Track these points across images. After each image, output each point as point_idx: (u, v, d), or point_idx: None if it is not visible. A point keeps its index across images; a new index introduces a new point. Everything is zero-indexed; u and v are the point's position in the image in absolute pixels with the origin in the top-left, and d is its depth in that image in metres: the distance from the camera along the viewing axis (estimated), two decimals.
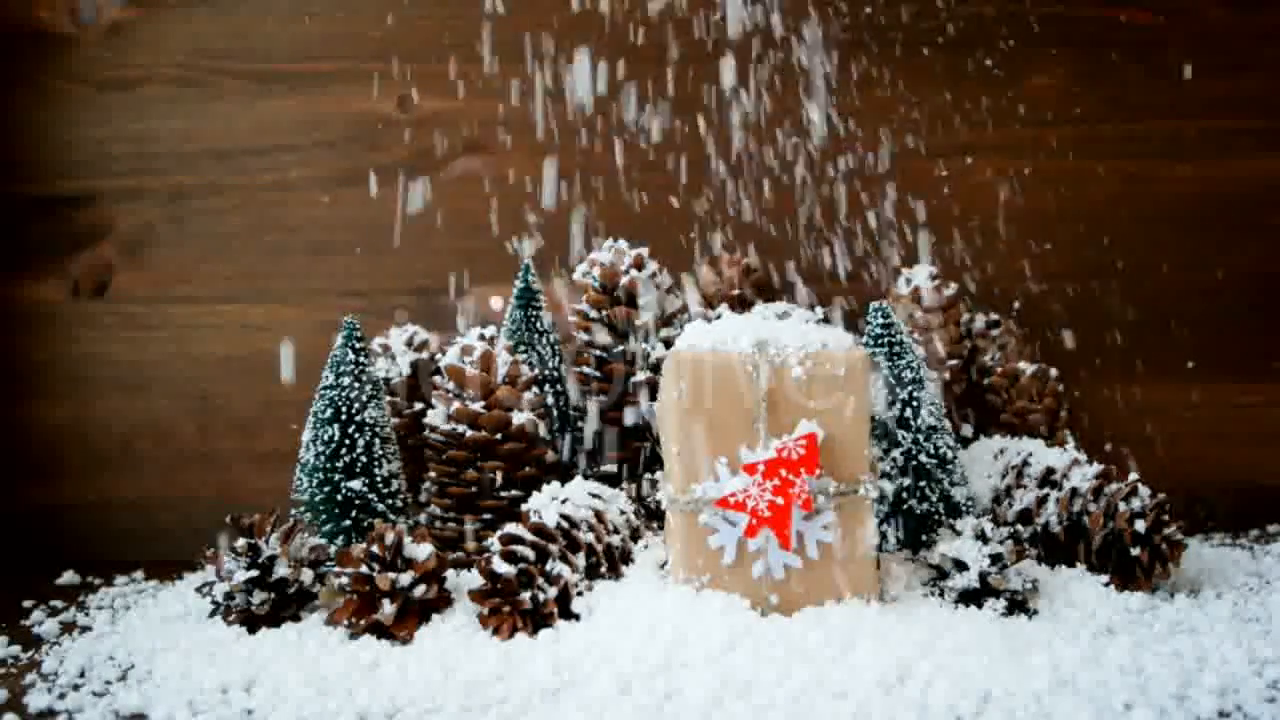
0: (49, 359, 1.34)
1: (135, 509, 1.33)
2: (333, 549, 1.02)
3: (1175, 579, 1.02)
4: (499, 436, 1.08)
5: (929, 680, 0.78)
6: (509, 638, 0.88)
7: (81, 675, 0.88)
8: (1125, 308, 1.34)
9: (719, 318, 1.00)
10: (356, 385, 1.06)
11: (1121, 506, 1.00)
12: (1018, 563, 0.94)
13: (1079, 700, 0.75)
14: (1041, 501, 1.05)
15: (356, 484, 1.04)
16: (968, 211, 1.34)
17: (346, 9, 1.34)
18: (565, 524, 0.95)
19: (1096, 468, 1.05)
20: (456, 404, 1.08)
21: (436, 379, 1.13)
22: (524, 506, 0.98)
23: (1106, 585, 0.97)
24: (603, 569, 0.96)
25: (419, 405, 1.20)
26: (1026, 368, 1.24)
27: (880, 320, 1.03)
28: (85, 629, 1.01)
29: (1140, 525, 0.98)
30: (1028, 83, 1.34)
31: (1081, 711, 0.74)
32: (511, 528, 0.94)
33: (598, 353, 1.18)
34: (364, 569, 0.92)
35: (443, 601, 0.95)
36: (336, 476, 1.04)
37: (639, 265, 1.19)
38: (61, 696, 0.84)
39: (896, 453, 1.02)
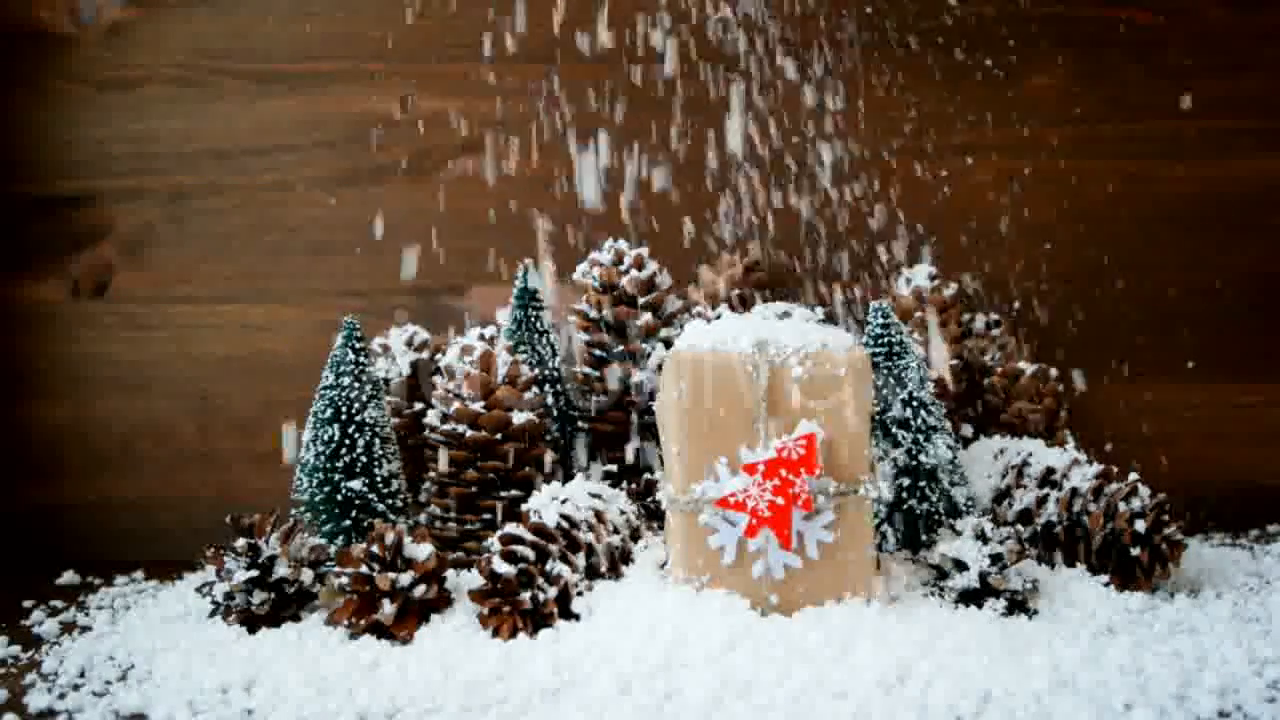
0: (49, 359, 1.34)
1: (135, 509, 1.33)
2: (333, 549, 1.02)
3: (1175, 579, 1.02)
4: (499, 436, 1.08)
5: (929, 680, 0.78)
6: (509, 638, 0.88)
7: (81, 675, 0.88)
8: (1125, 308, 1.34)
9: (719, 318, 1.00)
10: (356, 385, 1.06)
11: (1121, 506, 1.00)
12: (1018, 563, 0.94)
13: (1079, 700, 0.75)
14: (1041, 501, 1.05)
15: (356, 484, 1.04)
16: (968, 211, 1.34)
17: (346, 9, 1.34)
18: (565, 524, 0.95)
19: (1096, 468, 1.05)
20: (456, 404, 1.08)
21: (436, 379, 1.13)
22: (524, 506, 0.98)
23: (1106, 585, 0.97)
24: (603, 569, 0.96)
25: (419, 405, 1.20)
26: (1026, 368, 1.24)
27: (880, 320, 1.03)
28: (85, 629, 1.01)
29: (1140, 525, 0.98)
30: (1028, 83, 1.34)
31: (1081, 711, 0.74)
32: (511, 528, 0.94)
33: (598, 353, 1.18)
34: (364, 569, 0.92)
35: (443, 601, 0.95)
36: (336, 476, 1.04)
37: (639, 265, 1.19)
38: (61, 696, 0.84)
39: (897, 453, 1.02)
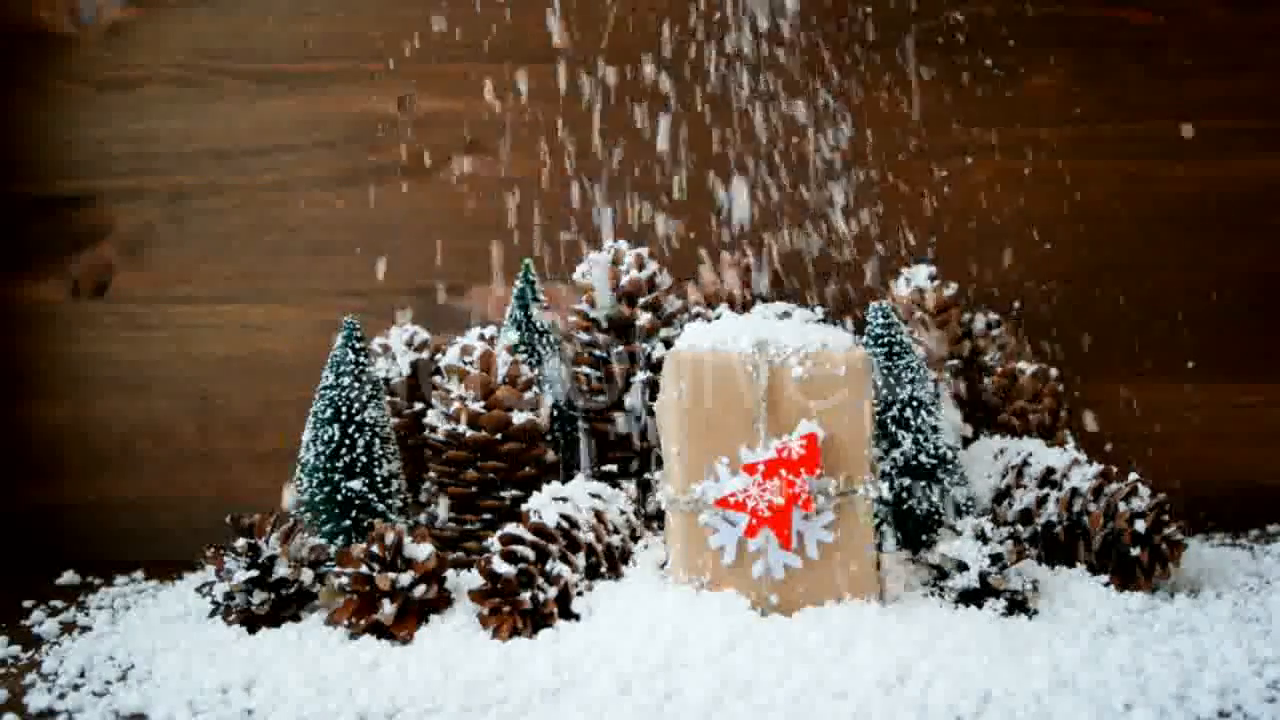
0: (49, 359, 1.34)
1: (135, 509, 1.33)
2: (333, 549, 1.02)
3: (1175, 579, 1.02)
4: (499, 436, 1.08)
5: (929, 680, 0.78)
6: (509, 638, 0.88)
7: (81, 675, 0.88)
8: (1125, 308, 1.34)
9: (719, 318, 1.00)
10: (356, 385, 1.06)
11: (1121, 506, 1.00)
12: (1018, 563, 0.94)
13: (1079, 700, 0.75)
14: (1041, 501, 1.05)
15: (356, 484, 1.04)
16: (968, 211, 1.34)
17: (346, 9, 1.34)
18: (565, 524, 0.95)
19: (1096, 468, 1.05)
20: (456, 404, 1.08)
21: (436, 379, 1.13)
22: (524, 506, 0.98)
23: (1106, 585, 0.97)
24: (603, 569, 0.96)
25: (419, 405, 1.20)
26: (1026, 368, 1.24)
27: (880, 320, 1.03)
28: (85, 629, 1.01)
29: (1140, 525, 0.98)
30: (1028, 83, 1.34)
31: (1081, 711, 0.74)
32: (511, 528, 0.94)
33: (599, 353, 1.18)
34: (364, 569, 0.92)
35: (443, 601, 0.95)
36: (336, 476, 1.04)
37: (639, 265, 1.19)
38: (61, 696, 0.84)
39: (896, 453, 1.02)
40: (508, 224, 1.32)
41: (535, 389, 1.12)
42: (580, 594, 0.93)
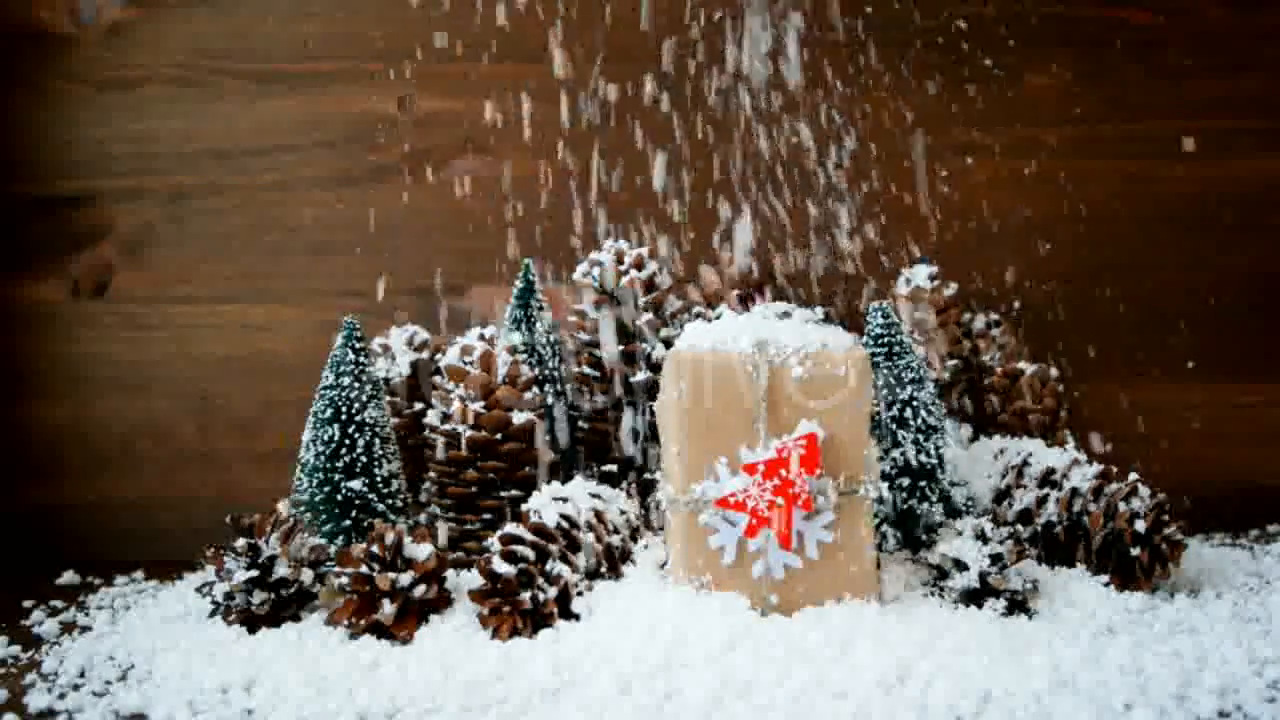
0: (49, 359, 1.34)
1: (135, 509, 1.33)
2: (333, 549, 1.02)
3: (1175, 579, 1.02)
4: (499, 436, 1.08)
5: (929, 680, 0.78)
6: (509, 638, 0.88)
7: (81, 675, 0.88)
8: (1125, 308, 1.34)
9: (719, 318, 1.00)
10: (356, 385, 1.06)
11: (1121, 506, 1.00)
12: (1018, 563, 0.94)
13: (1079, 700, 0.75)
14: (1041, 501, 1.05)
15: (356, 484, 1.04)
16: (968, 211, 1.34)
17: (346, 9, 1.34)
18: (565, 524, 0.95)
19: (1096, 468, 1.05)
20: (456, 404, 1.08)
21: (436, 379, 1.13)
22: (524, 506, 0.98)
23: (1106, 585, 0.97)
24: (603, 569, 0.96)
25: (419, 405, 1.20)
26: (1026, 368, 1.24)
27: (880, 320, 1.03)
28: (85, 629, 1.01)
29: (1140, 525, 0.98)
30: (1028, 83, 1.34)
31: (1081, 711, 0.74)
32: (511, 528, 0.94)
33: (598, 352, 1.18)
34: (364, 569, 0.92)
35: (443, 601, 0.95)
36: (336, 476, 1.04)
37: (639, 265, 1.19)
38: (61, 696, 0.84)
39: (896, 453, 1.02)
40: (507, 224, 1.32)
41: (536, 389, 1.12)
42: (580, 594, 0.93)
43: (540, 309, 1.18)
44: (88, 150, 1.34)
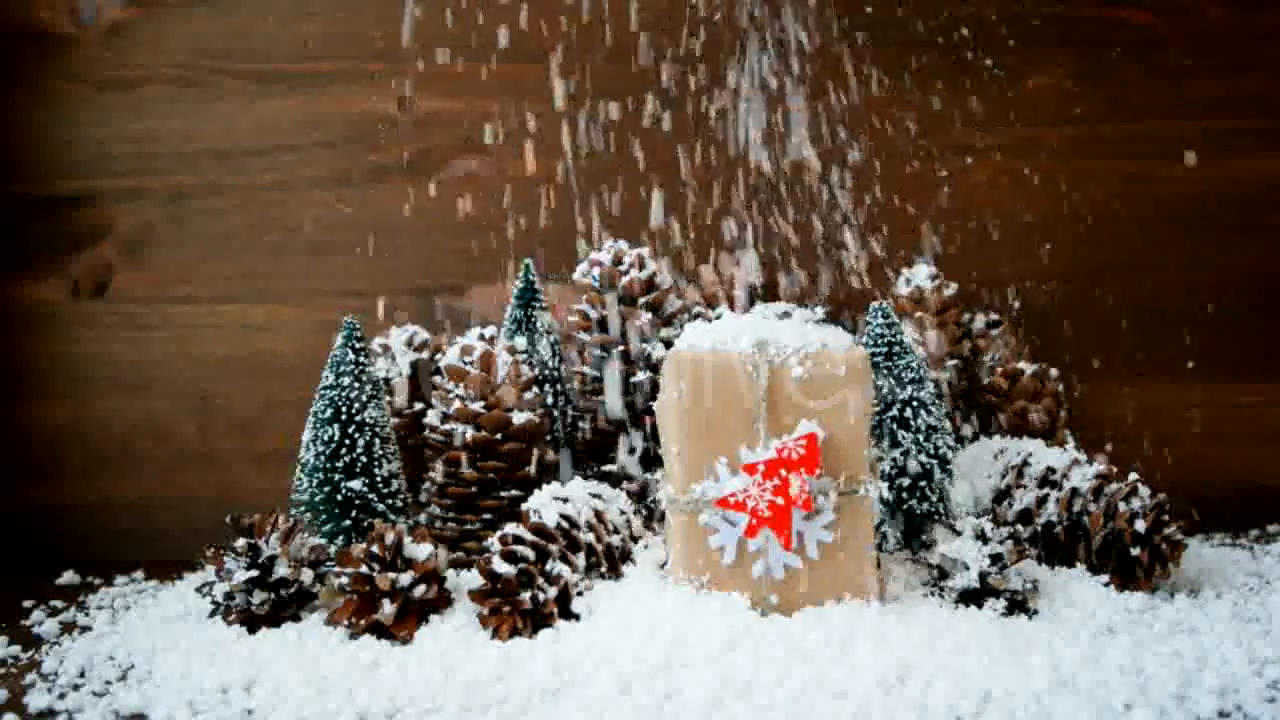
0: (49, 359, 1.34)
1: (135, 509, 1.33)
2: (333, 549, 1.02)
3: (1175, 579, 1.02)
4: (499, 436, 1.08)
5: (929, 680, 0.78)
6: (509, 638, 0.88)
7: (81, 675, 0.88)
8: (1125, 308, 1.34)
9: (719, 318, 1.00)
10: (356, 385, 1.06)
11: (1121, 506, 1.00)
12: (1018, 563, 0.94)
13: (1079, 700, 0.75)
14: (1041, 501, 1.05)
15: (356, 484, 1.04)
16: (968, 211, 1.34)
17: (346, 9, 1.34)
18: (565, 524, 0.95)
19: (1096, 468, 1.05)
20: (457, 404, 1.08)
21: (436, 379, 1.13)
22: (524, 506, 0.98)
23: (1106, 585, 0.97)
24: (603, 569, 0.96)
25: (419, 405, 1.20)
26: (1026, 368, 1.24)
27: (880, 320, 1.03)
28: (85, 629, 1.01)
29: (1140, 525, 0.98)
30: (1028, 83, 1.34)
31: (1081, 711, 0.74)
32: (511, 528, 0.94)
33: (598, 352, 1.18)
34: (364, 569, 0.92)
35: (443, 601, 0.95)
36: (336, 476, 1.04)
37: (639, 265, 1.19)
38: (61, 696, 0.84)
39: (896, 453, 1.02)
40: (508, 223, 1.32)
41: (535, 390, 1.12)
42: (580, 594, 0.93)
43: (540, 309, 1.18)
44: (88, 150, 1.34)
